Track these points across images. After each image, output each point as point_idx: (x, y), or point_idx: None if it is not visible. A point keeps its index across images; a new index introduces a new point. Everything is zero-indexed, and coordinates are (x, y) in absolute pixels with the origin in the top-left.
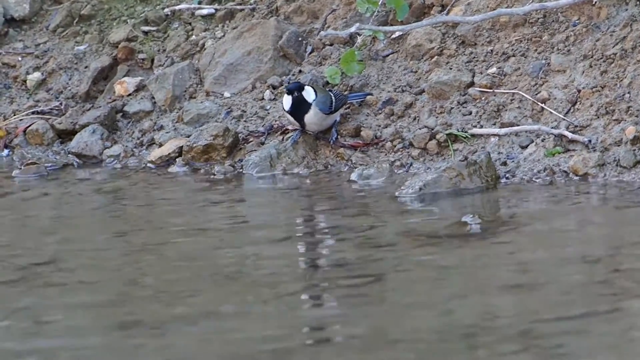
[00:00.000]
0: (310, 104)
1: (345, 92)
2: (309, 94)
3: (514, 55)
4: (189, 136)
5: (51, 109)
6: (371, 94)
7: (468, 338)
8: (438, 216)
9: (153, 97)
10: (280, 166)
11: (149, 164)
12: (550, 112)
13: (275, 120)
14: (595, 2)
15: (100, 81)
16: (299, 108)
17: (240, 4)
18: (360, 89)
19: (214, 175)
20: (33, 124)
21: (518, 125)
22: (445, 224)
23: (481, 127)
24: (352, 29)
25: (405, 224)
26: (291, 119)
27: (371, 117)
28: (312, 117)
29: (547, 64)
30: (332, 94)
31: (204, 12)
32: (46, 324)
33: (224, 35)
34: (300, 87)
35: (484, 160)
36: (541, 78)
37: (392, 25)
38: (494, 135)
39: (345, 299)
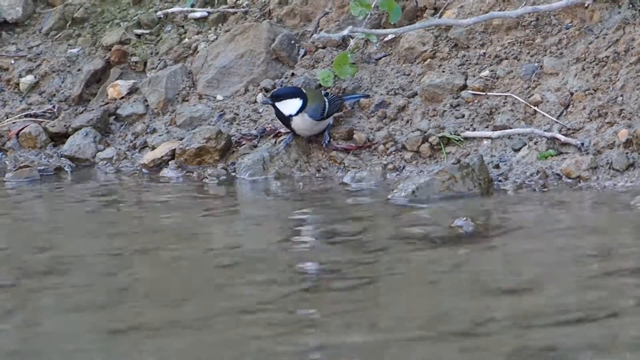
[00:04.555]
0: (287, 117)
1: (340, 94)
2: (289, 105)
3: (506, 58)
4: (181, 139)
5: (44, 112)
6: (368, 96)
7: (461, 341)
8: (430, 219)
9: (146, 100)
10: (273, 169)
11: (141, 167)
12: (543, 115)
13: (268, 123)
14: (588, 5)
15: (93, 84)
16: (279, 117)
17: (233, 7)
18: (353, 92)
19: (207, 178)
20: (26, 127)
21: (511, 128)
22: (437, 227)
23: (474, 130)
24: (345, 32)
25: (398, 227)
26: (281, 123)
27: (364, 120)
28: (299, 124)
29: (539, 66)
30: (326, 100)
31: (197, 15)
32: (39, 327)
33: (216, 38)
34: (279, 96)
35: (476, 163)
36: (534, 81)
37: (384, 28)
38: (487, 138)
39: (338, 302)
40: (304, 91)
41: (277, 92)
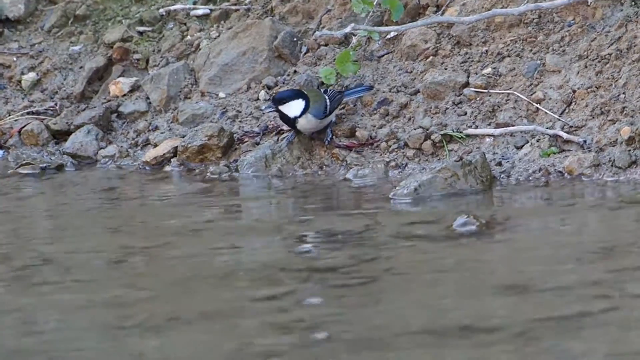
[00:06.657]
0: (293, 119)
1: (341, 89)
2: (293, 107)
3: (509, 56)
4: (184, 136)
5: (46, 109)
6: (372, 87)
7: (463, 339)
8: (432, 217)
9: (148, 98)
10: (275, 166)
11: (143, 165)
12: (546, 113)
13: (270, 121)
14: (590, 3)
15: (95, 81)
16: (284, 119)
17: (235, 5)
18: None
19: (209, 175)
20: (28, 124)
21: (513, 126)
22: (439, 224)
23: (476, 127)
24: (347, 30)
25: (400, 224)
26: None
27: (366, 118)
28: (304, 124)
29: (542, 64)
30: (326, 97)
31: (199, 12)
32: (41, 324)
33: (219, 36)
34: (282, 100)
35: (479, 160)
36: (536, 78)
37: (387, 25)
38: (489, 135)
39: (340, 300)
40: (305, 92)
41: (279, 95)
